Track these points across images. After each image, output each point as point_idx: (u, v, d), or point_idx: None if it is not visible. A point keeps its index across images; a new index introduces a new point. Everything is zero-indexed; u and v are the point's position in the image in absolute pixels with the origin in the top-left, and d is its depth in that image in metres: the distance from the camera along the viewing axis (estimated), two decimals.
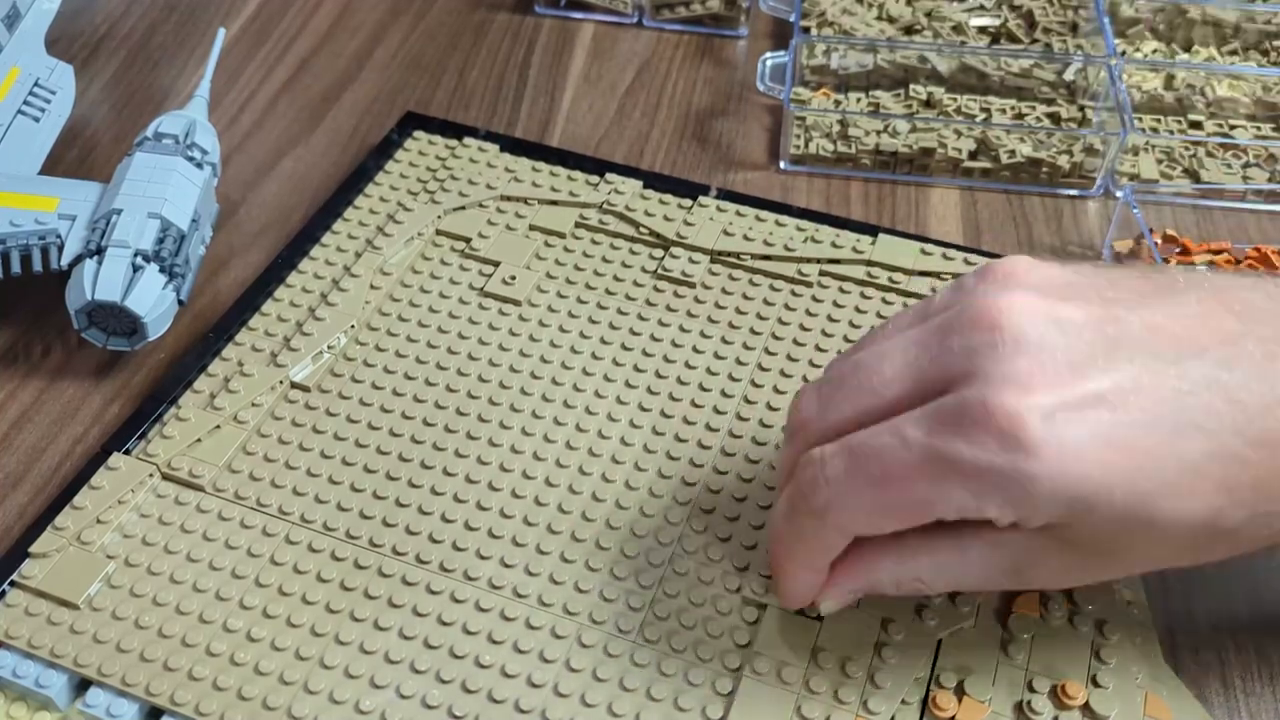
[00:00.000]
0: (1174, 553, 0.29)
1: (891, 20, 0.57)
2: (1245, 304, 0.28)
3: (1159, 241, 0.47)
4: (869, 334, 0.32)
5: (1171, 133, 0.52)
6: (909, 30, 0.57)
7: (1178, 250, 0.47)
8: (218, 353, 0.42)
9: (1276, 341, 0.28)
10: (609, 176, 0.49)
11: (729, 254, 0.45)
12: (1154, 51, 0.56)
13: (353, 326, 0.43)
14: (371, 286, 0.44)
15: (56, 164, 0.48)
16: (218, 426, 0.39)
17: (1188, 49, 0.56)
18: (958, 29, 0.56)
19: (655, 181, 0.49)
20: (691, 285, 0.44)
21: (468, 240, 0.46)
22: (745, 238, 0.46)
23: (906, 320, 0.31)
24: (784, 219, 0.47)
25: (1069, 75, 0.53)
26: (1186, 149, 0.51)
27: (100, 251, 0.41)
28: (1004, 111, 0.53)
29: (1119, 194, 0.51)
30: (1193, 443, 0.27)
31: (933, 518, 0.28)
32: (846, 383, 0.30)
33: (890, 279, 0.44)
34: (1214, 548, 0.29)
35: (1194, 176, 0.50)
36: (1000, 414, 0.26)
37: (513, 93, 0.56)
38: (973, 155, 0.51)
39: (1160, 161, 0.51)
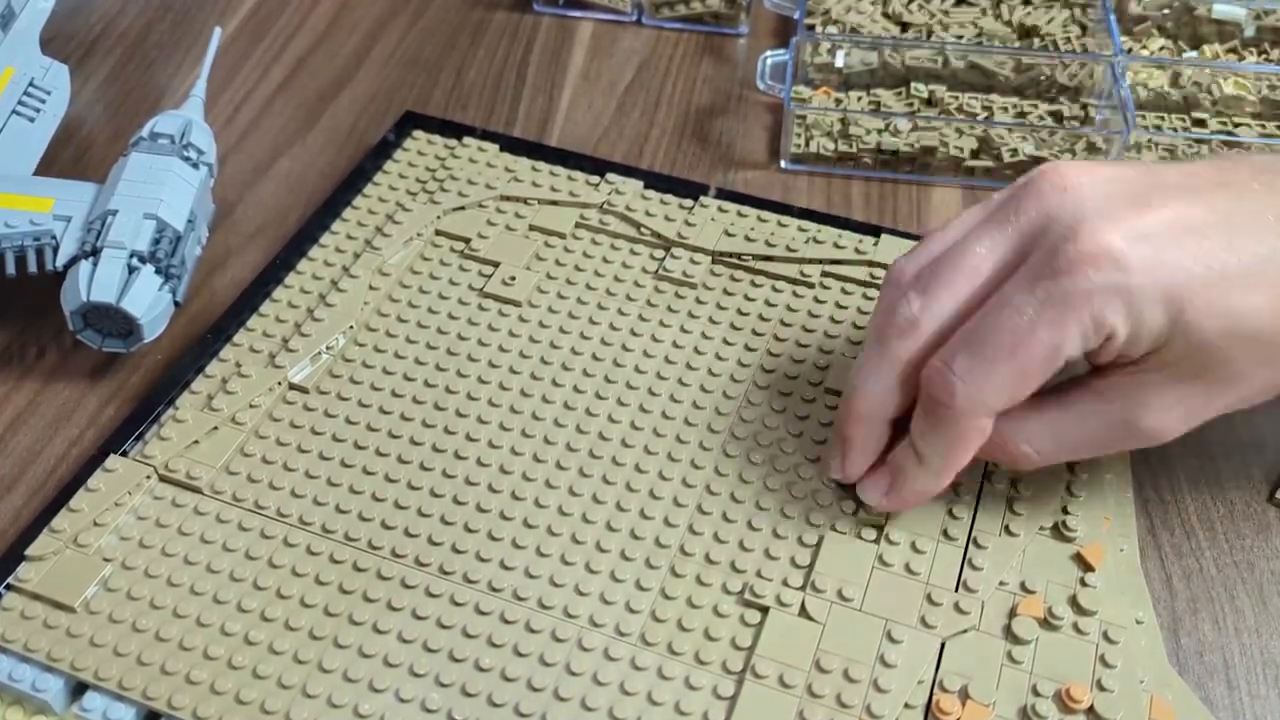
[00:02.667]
0: (1268, 364, 0.32)
1: (897, 20, 0.57)
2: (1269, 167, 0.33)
3: None
4: (928, 237, 0.35)
5: (1175, 130, 0.52)
6: (911, 29, 0.56)
7: None
8: (215, 354, 0.42)
9: None
10: (609, 176, 0.48)
11: (730, 255, 0.45)
12: (1161, 49, 0.55)
13: (351, 327, 0.42)
14: (370, 287, 0.44)
15: (51, 164, 0.48)
16: (215, 428, 0.39)
17: (1195, 46, 0.56)
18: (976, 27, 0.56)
19: (655, 181, 0.48)
20: (693, 286, 0.44)
21: (467, 241, 0.46)
22: (746, 238, 0.45)
23: (970, 215, 0.34)
24: (785, 219, 0.46)
25: (1086, 89, 0.53)
26: (1190, 147, 0.51)
27: (96, 252, 0.40)
28: (1006, 110, 0.53)
29: None
30: (1248, 246, 0.31)
31: (1062, 360, 0.31)
32: (940, 275, 0.33)
33: None
34: None
35: None
36: (1090, 247, 0.31)
37: (511, 91, 0.56)
38: (974, 154, 0.51)
39: (1163, 160, 0.51)
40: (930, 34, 0.56)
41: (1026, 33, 0.56)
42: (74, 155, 0.52)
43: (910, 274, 0.34)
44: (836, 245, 0.45)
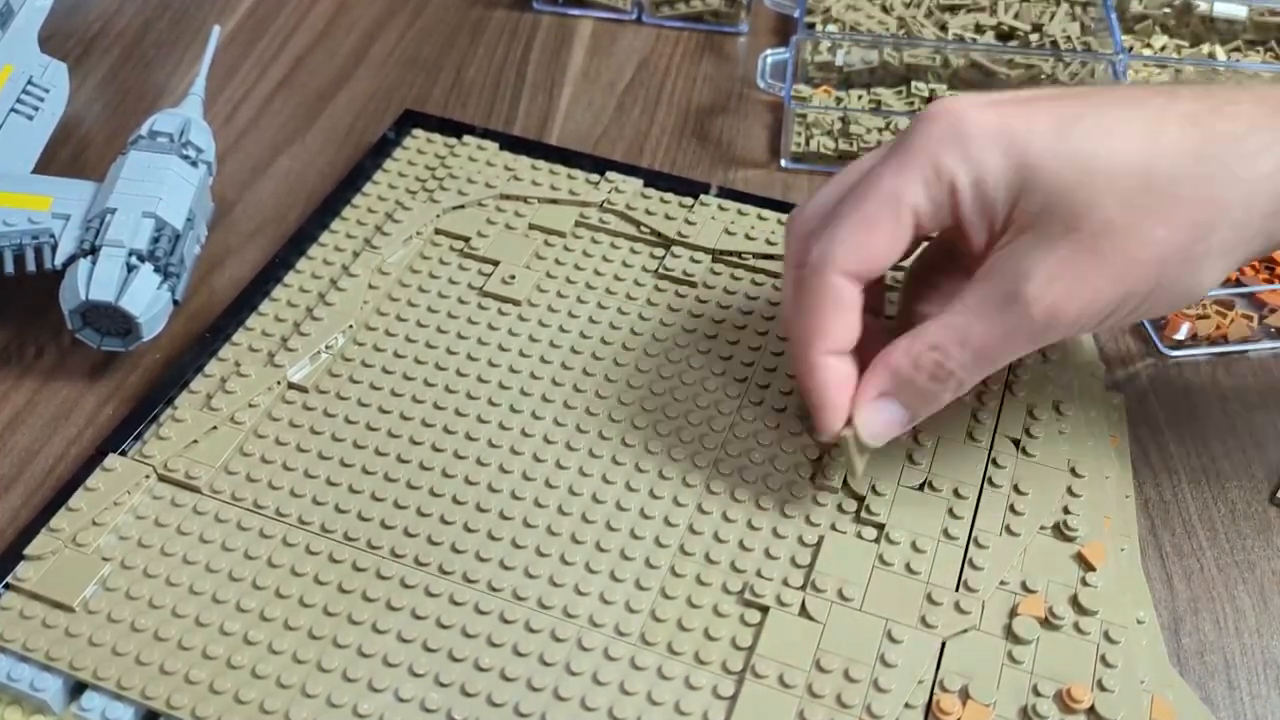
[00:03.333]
0: (1151, 215, 0.30)
1: (897, 18, 0.57)
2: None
3: None
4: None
5: None
6: (911, 27, 0.56)
7: None
8: (214, 353, 0.42)
9: (1211, 93, 0.31)
10: (609, 175, 0.48)
11: (731, 253, 0.45)
12: (1162, 48, 0.55)
13: (351, 326, 0.42)
14: (370, 286, 0.44)
15: (50, 162, 0.48)
16: (214, 427, 0.39)
17: (1196, 44, 0.56)
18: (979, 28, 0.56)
19: (655, 180, 0.48)
20: (693, 285, 0.44)
21: (467, 239, 0.46)
22: (747, 237, 0.45)
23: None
24: (786, 218, 0.46)
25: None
26: None
27: (94, 251, 0.40)
28: None
29: None
30: (1113, 107, 0.31)
31: (908, 211, 0.32)
32: (831, 182, 0.35)
33: (893, 278, 0.44)
34: (1172, 219, 0.30)
35: None
36: (936, 110, 0.32)
37: (511, 90, 0.56)
38: None
39: None
40: (936, 29, 0.56)
41: (1025, 30, 0.56)
42: (72, 153, 0.52)
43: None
44: None
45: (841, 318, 0.33)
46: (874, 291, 0.36)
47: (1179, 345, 0.44)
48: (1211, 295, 0.44)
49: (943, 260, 0.37)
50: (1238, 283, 0.45)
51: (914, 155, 0.31)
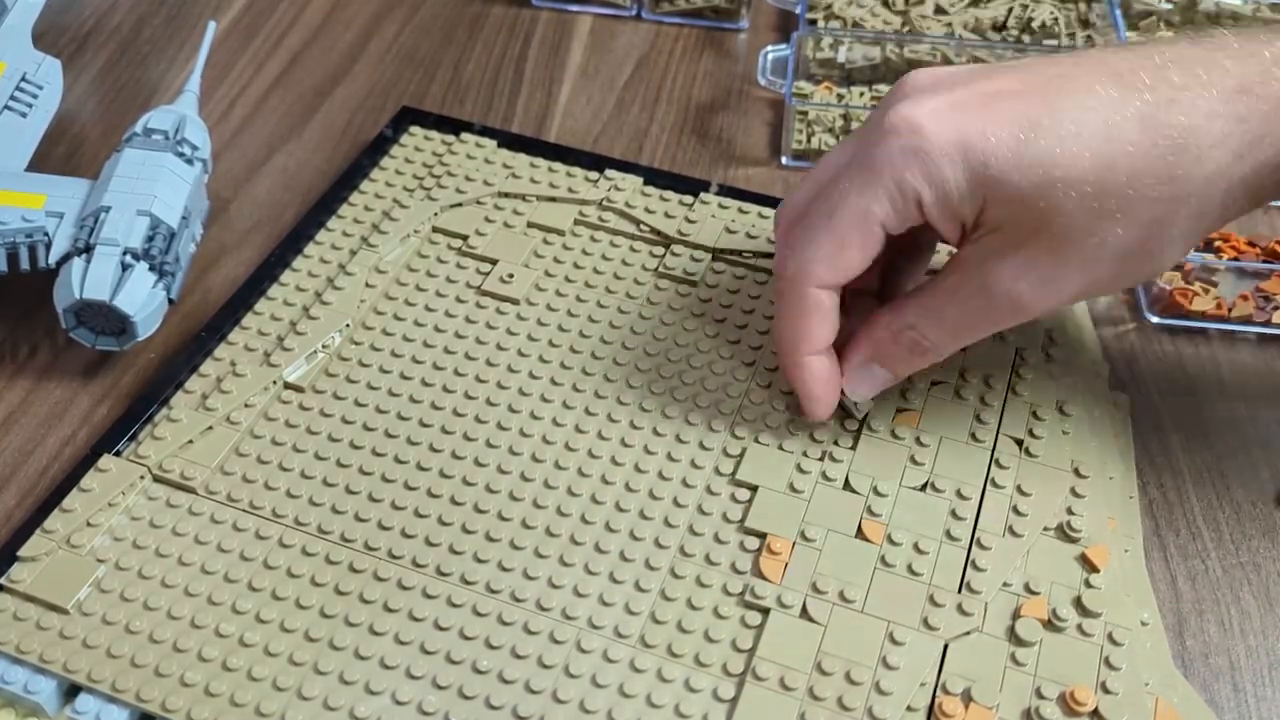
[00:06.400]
0: (1109, 216, 0.31)
1: (899, 14, 0.57)
2: (1130, 61, 0.32)
3: None
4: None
5: None
6: (913, 23, 0.56)
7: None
8: (209, 352, 0.41)
9: (1168, 79, 0.31)
10: (608, 173, 0.48)
11: (731, 252, 0.45)
12: None
13: (348, 325, 0.42)
14: (367, 285, 0.43)
15: (44, 160, 0.47)
16: (210, 427, 0.38)
17: None
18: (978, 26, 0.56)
19: (655, 177, 0.48)
20: (693, 284, 0.44)
21: (465, 237, 0.45)
22: (748, 235, 0.45)
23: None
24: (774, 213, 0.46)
25: None
26: None
27: (89, 249, 0.40)
28: None
29: None
30: (1067, 105, 0.31)
31: (877, 226, 0.33)
32: (806, 181, 0.37)
33: None
34: (1131, 218, 0.31)
35: None
36: (895, 119, 0.32)
37: (509, 87, 0.56)
38: None
39: None
40: (938, 17, 0.56)
41: (1028, 26, 0.56)
42: (67, 151, 0.51)
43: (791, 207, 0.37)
44: None
45: (822, 324, 0.35)
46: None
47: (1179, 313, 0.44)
48: (1197, 260, 0.44)
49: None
50: (1236, 259, 0.45)
51: (877, 173, 0.33)
